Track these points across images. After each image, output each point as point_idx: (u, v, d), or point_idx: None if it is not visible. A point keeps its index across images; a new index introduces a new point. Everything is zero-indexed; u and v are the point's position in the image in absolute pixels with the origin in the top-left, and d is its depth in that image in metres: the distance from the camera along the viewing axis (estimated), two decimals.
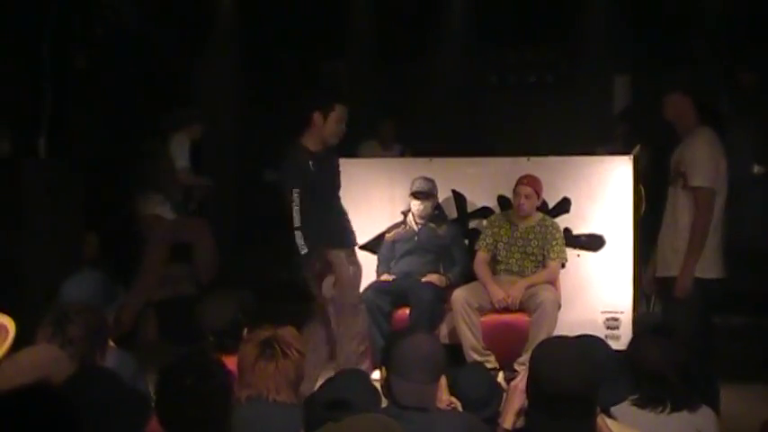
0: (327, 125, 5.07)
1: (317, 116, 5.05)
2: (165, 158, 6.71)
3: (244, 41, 8.37)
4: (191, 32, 8.06)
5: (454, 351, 5.45)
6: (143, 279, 6.70)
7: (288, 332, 2.90)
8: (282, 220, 5.00)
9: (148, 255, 6.74)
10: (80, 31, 6.84)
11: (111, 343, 3.58)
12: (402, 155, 7.64)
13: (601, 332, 5.52)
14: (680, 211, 4.78)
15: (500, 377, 5.38)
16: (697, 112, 4.77)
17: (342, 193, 6.28)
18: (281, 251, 7.81)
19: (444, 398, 3.06)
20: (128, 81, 7.44)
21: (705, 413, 3.07)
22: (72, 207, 5.67)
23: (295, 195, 4.91)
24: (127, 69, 7.45)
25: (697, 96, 4.78)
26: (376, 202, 6.12)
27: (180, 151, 6.71)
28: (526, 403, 2.54)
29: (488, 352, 5.54)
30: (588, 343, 2.87)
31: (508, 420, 2.57)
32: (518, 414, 2.56)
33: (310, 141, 5.09)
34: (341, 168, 5.38)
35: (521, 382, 2.56)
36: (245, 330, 3.35)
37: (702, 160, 4.65)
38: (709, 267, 4.67)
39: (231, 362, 2.84)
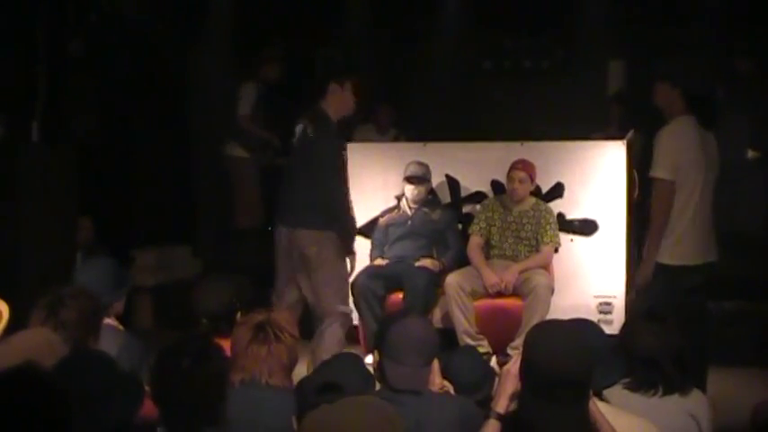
0: (344, 96, 5.02)
1: (333, 87, 4.99)
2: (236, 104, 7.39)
3: (238, 28, 8.34)
4: (185, 19, 8.03)
5: (447, 335, 5.47)
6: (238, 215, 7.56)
7: (281, 316, 2.91)
8: None
9: (234, 193, 7.60)
10: (74, 17, 6.83)
11: (120, 326, 3.61)
12: (396, 139, 7.64)
13: (593, 317, 5.54)
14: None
15: (493, 361, 5.40)
16: (685, 101, 4.79)
17: None
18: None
19: (437, 381, 3.07)
20: (122, 67, 7.43)
21: (697, 397, 3.09)
22: (66, 191, 5.66)
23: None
24: (121, 55, 7.44)
25: (686, 85, 4.79)
26: (369, 186, 6.13)
27: (244, 99, 7.36)
28: (519, 387, 2.55)
29: (481, 336, 5.56)
30: (581, 327, 2.87)
31: (501, 404, 2.57)
32: (511, 398, 2.56)
33: (330, 111, 5.04)
34: None
35: (513, 365, 2.56)
36: (239, 314, 3.36)
37: (660, 151, 4.68)
38: (674, 254, 4.69)
39: (225, 345, 2.84)
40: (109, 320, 3.53)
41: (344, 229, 4.97)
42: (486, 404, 2.91)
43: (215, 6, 8.33)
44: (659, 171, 4.69)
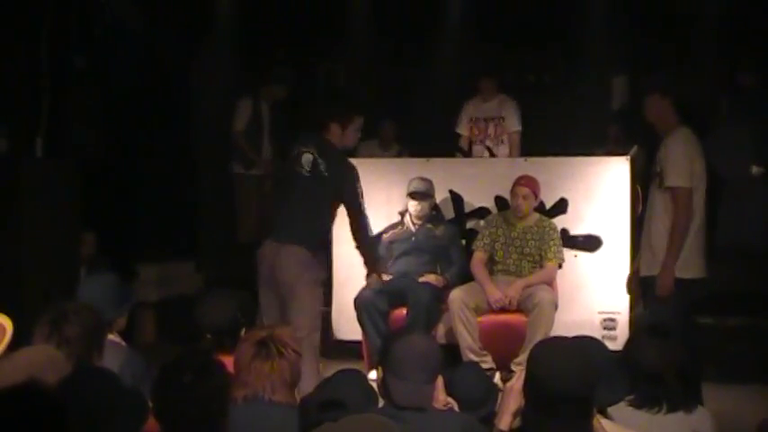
0: (345, 136, 5.04)
1: (334, 126, 5.00)
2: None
3: (242, 42, 8.36)
4: (189, 33, 8.06)
5: (451, 351, 5.46)
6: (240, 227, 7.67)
7: (285, 332, 2.90)
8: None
9: (236, 208, 7.78)
10: (78, 31, 6.85)
11: (122, 342, 3.61)
12: (400, 155, 7.64)
13: (597, 333, 5.55)
14: (655, 210, 4.83)
15: (497, 377, 5.39)
16: (677, 112, 4.79)
17: None
18: None
19: (441, 398, 3.06)
20: (126, 81, 7.45)
21: (701, 414, 3.08)
22: (69, 206, 5.66)
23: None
24: (125, 69, 7.46)
25: (677, 97, 4.79)
26: (373, 202, 6.08)
27: (238, 114, 7.53)
28: (522, 404, 2.54)
29: (485, 352, 5.55)
30: (585, 344, 2.85)
31: (504, 421, 2.56)
32: (514, 414, 2.56)
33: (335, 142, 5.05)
34: None
35: (517, 382, 2.56)
36: (243, 330, 3.35)
37: (677, 160, 4.68)
38: (687, 267, 4.70)
39: (229, 361, 2.84)
40: (111, 336, 3.53)
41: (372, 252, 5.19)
42: (489, 421, 2.90)
43: (218, 20, 8.36)
44: (678, 179, 4.67)
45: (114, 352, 3.38)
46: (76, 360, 2.93)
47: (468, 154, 6.88)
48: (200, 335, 3.47)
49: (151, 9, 7.69)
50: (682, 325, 4.56)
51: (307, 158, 4.96)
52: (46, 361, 2.69)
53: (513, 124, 6.87)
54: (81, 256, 5.98)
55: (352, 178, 4.96)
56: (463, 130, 7.02)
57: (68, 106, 6.69)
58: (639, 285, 5.23)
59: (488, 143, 6.88)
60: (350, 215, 5.01)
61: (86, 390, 2.46)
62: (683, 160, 4.68)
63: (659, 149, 4.84)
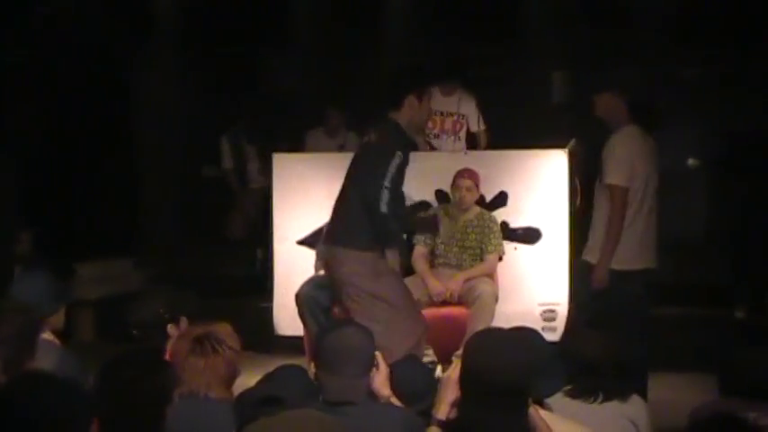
0: (422, 109, 4.74)
1: (410, 99, 4.63)
2: None
3: (183, 36, 8.28)
4: (130, 28, 7.95)
5: None
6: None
7: (222, 328, 2.88)
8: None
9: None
10: (16, 25, 6.71)
11: (56, 341, 3.54)
12: (343, 147, 7.61)
13: (538, 324, 5.59)
14: (597, 204, 4.95)
15: (438, 370, 5.40)
16: (627, 109, 4.87)
17: (281, 189, 6.29)
18: (227, 247, 7.86)
19: (385, 393, 3.01)
20: (65, 76, 7.32)
21: (636, 402, 3.13)
22: (4, 204, 5.55)
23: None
24: (64, 64, 7.33)
25: (627, 95, 4.88)
26: (314, 197, 6.10)
27: (224, 153, 7.90)
28: (459, 394, 2.55)
29: (427, 345, 5.55)
30: (522, 335, 2.88)
31: (442, 411, 2.57)
32: (452, 405, 2.56)
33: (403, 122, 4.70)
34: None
35: (453, 372, 2.56)
36: (170, 326, 3.33)
37: (616, 159, 4.79)
38: (633, 259, 4.79)
39: None
40: (45, 335, 3.46)
41: None
42: (428, 413, 2.90)
43: (162, 13, 8.26)
44: (615, 178, 4.76)
45: (47, 352, 3.32)
46: (8, 359, 2.88)
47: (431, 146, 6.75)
48: (129, 331, 3.44)
49: (92, 4, 7.57)
50: (625, 316, 4.64)
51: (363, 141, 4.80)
52: None
53: (478, 122, 6.68)
54: (16, 254, 5.86)
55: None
56: None
57: (5, 104, 6.56)
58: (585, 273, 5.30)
59: (444, 137, 6.78)
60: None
61: (30, 395, 2.37)
62: (622, 160, 4.77)
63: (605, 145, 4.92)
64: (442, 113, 6.70)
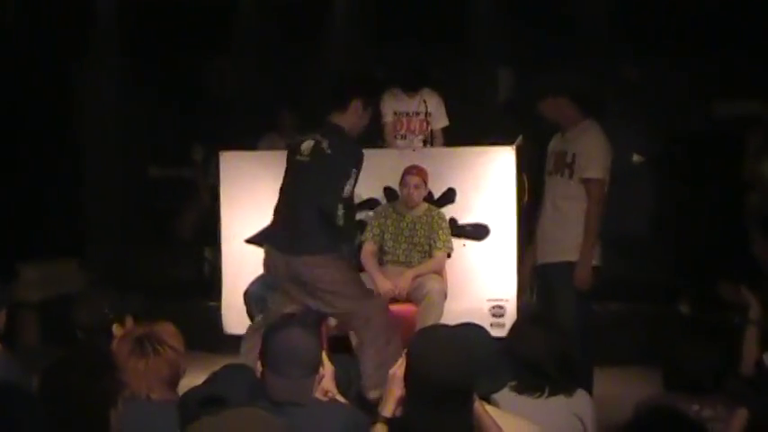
0: (364, 116, 4.78)
1: (356, 104, 4.68)
2: None
3: (130, 35, 8.17)
4: (71, 31, 7.81)
5: (342, 342, 5.45)
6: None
7: (164, 328, 2.84)
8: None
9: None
10: None
11: None
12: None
13: (486, 320, 5.63)
14: (561, 200, 4.92)
15: None
16: (577, 106, 4.89)
17: (229, 188, 6.24)
18: (173, 248, 7.78)
19: (326, 386, 3.00)
20: (7, 74, 7.19)
21: (581, 397, 3.16)
22: None
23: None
24: (6, 62, 7.19)
25: (571, 93, 4.89)
26: (261, 195, 6.05)
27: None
28: (405, 391, 2.54)
29: None
30: (467, 331, 2.88)
31: (388, 408, 2.56)
32: (398, 402, 2.56)
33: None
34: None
35: (399, 369, 2.56)
36: (116, 327, 3.28)
37: (596, 152, 4.79)
38: (572, 252, 4.81)
39: None
40: None
41: None
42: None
43: (101, 12, 8.14)
44: (595, 171, 4.79)
45: None
46: None
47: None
48: (73, 333, 3.38)
49: (31, 7, 7.43)
50: (575, 311, 4.68)
51: (307, 145, 4.72)
52: None
53: (441, 120, 6.66)
54: None
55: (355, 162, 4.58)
56: (389, 119, 6.68)
57: None
58: (532, 273, 5.34)
59: (411, 137, 6.68)
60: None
61: None
62: (600, 153, 4.80)
63: (563, 140, 4.93)
64: (407, 114, 6.69)
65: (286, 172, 4.86)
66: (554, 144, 5.05)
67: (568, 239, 4.84)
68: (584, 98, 4.98)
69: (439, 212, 5.85)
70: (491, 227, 5.99)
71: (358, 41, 8.53)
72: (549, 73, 6.18)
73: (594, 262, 4.86)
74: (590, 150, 4.80)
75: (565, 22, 7.93)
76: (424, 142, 6.59)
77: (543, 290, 5.23)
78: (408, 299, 5.61)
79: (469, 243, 6.02)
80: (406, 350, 5.14)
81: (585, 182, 4.81)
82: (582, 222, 4.79)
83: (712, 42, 7.34)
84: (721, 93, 7.59)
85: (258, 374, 2.72)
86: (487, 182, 6.02)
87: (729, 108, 7.54)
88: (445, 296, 5.57)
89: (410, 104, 6.67)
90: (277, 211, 4.84)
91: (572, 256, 4.81)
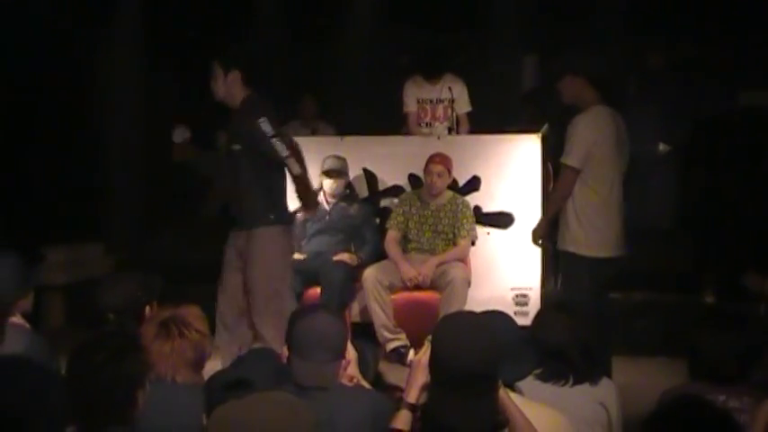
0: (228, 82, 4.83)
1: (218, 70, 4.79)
2: None
3: (147, 26, 8.19)
4: (92, 18, 7.84)
5: (366, 329, 5.47)
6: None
7: (189, 311, 2.86)
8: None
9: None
10: None
11: (26, 324, 3.50)
12: (315, 132, 7.58)
13: (510, 309, 5.62)
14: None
15: (411, 355, 5.42)
16: (594, 90, 4.83)
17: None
18: (194, 232, 7.81)
19: (350, 372, 3.02)
20: (26, 59, 7.22)
21: (606, 385, 3.15)
22: None
23: None
24: (25, 57, 7.22)
25: (587, 73, 4.84)
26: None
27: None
28: (430, 378, 2.54)
29: (399, 330, 5.57)
30: (491, 319, 2.88)
31: (412, 395, 2.57)
32: (422, 388, 2.56)
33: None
34: None
35: (424, 356, 2.56)
36: (147, 309, 3.30)
37: (576, 141, 4.75)
38: (600, 246, 4.78)
39: None
40: (14, 319, 3.43)
41: None
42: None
43: (123, 5, 8.18)
44: (570, 159, 4.76)
45: (17, 335, 3.29)
46: None
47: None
48: (103, 315, 3.40)
49: None
50: (593, 302, 4.66)
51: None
52: None
53: (465, 105, 6.62)
54: None
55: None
56: (412, 108, 6.67)
57: None
58: (554, 261, 5.34)
59: (437, 125, 6.69)
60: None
61: (2, 380, 2.32)
62: (581, 142, 4.74)
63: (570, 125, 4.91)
64: (431, 101, 6.65)
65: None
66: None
67: (572, 228, 4.84)
68: (601, 81, 4.92)
69: (463, 200, 5.84)
70: (515, 215, 5.98)
71: (380, 28, 8.52)
72: (564, 55, 6.14)
73: (623, 252, 4.84)
74: (571, 136, 4.78)
75: (590, 8, 7.88)
76: (450, 129, 6.56)
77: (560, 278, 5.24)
78: (432, 286, 5.62)
79: (494, 231, 6.02)
80: (430, 337, 5.20)
81: (562, 166, 4.82)
82: (585, 212, 4.78)
83: (738, 29, 7.27)
84: (747, 80, 7.51)
85: (284, 359, 2.74)
86: (512, 170, 6.01)
87: (755, 96, 7.46)
88: (469, 284, 5.58)
89: (433, 91, 6.63)
90: None
91: (570, 247, 4.82)
